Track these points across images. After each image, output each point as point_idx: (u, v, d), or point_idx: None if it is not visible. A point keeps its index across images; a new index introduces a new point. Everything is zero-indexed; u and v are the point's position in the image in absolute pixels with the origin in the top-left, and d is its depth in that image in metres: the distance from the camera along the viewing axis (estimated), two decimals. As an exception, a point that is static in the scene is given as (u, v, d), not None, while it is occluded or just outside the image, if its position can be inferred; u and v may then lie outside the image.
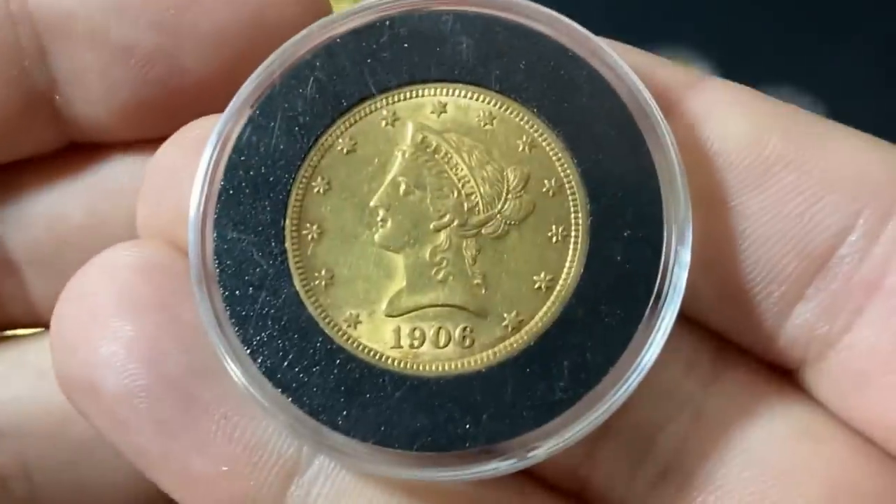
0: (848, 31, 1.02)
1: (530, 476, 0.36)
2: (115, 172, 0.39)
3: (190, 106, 0.37)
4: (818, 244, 0.33)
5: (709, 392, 0.35)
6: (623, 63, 0.34)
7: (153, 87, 0.37)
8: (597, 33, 0.36)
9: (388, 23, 0.35)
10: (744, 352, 0.36)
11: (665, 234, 0.34)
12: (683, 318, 0.35)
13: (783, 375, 0.36)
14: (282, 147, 0.34)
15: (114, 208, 0.39)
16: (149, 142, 0.38)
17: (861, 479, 0.33)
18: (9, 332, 0.42)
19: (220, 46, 0.36)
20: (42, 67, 0.36)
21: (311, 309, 0.34)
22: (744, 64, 1.02)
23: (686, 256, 0.33)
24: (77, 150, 0.39)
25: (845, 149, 0.34)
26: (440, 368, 0.33)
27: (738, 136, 0.34)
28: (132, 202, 0.36)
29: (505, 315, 0.34)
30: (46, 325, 0.37)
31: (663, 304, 0.33)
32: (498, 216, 0.34)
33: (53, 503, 0.40)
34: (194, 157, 0.34)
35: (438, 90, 0.35)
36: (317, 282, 0.34)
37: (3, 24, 0.36)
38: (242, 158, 0.34)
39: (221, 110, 0.35)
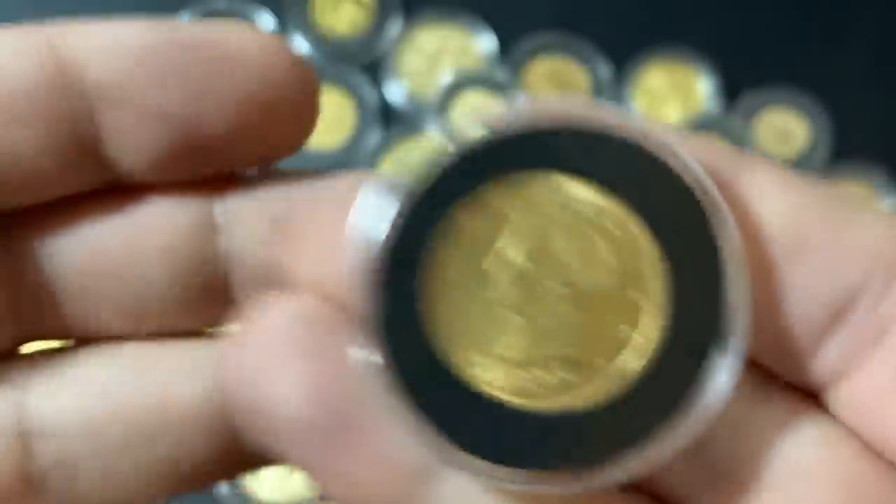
0: (848, 32, 1.04)
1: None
2: (153, 211, 0.44)
3: (217, 155, 0.42)
4: (839, 297, 0.40)
5: (753, 412, 0.42)
6: (687, 154, 0.41)
7: (186, 143, 0.42)
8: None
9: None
10: (775, 377, 0.43)
11: (730, 297, 0.41)
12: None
13: (810, 397, 0.42)
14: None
15: (151, 245, 0.44)
16: (183, 184, 0.43)
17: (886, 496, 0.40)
18: (44, 345, 0.44)
19: (240, 110, 0.42)
20: (89, 126, 0.42)
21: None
22: (744, 64, 1.04)
23: (747, 316, 0.41)
24: (118, 191, 0.44)
25: (871, 227, 0.40)
26: (552, 405, 0.41)
27: (781, 214, 0.40)
28: (168, 241, 0.42)
29: (602, 362, 0.42)
30: (80, 338, 0.41)
31: (732, 353, 0.41)
32: (592, 280, 0.42)
33: (91, 502, 0.45)
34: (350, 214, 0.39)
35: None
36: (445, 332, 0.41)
37: (61, 94, 0.41)
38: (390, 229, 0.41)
39: (244, 160, 0.40)
